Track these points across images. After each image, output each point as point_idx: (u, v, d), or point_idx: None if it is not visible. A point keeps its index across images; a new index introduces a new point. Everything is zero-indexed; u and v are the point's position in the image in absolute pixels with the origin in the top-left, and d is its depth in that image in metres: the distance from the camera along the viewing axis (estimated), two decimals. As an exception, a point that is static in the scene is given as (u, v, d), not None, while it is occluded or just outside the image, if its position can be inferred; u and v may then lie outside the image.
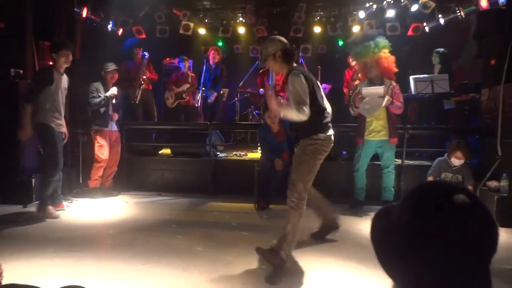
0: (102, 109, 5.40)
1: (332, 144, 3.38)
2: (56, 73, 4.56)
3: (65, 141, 4.82)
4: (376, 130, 4.86)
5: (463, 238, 0.74)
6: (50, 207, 4.51)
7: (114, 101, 5.50)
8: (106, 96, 5.33)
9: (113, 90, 5.38)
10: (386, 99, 4.64)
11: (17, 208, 4.84)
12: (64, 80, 4.70)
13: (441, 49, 6.55)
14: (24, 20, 5.41)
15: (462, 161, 4.74)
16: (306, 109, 3.07)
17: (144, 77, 7.39)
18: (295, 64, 3.37)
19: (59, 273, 2.97)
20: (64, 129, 4.74)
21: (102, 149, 5.42)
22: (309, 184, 3.29)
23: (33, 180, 5.12)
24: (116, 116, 5.59)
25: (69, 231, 3.99)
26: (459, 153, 4.72)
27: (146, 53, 7.46)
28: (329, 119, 3.40)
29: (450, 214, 0.76)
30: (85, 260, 3.21)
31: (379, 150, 4.96)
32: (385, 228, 0.86)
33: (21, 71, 5.28)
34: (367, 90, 4.69)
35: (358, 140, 5.01)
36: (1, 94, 5.20)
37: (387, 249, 0.84)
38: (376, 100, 4.68)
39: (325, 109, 3.38)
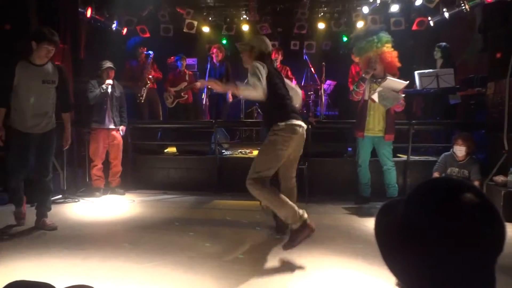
0: (101, 105, 5.40)
1: (298, 135, 3.35)
2: (27, 64, 3.87)
3: (67, 143, 4.32)
4: (373, 125, 4.85)
5: (470, 237, 0.74)
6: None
7: (114, 100, 5.50)
8: (102, 87, 5.33)
9: (108, 82, 5.37)
10: (403, 95, 4.67)
11: (26, 207, 4.87)
12: (47, 71, 3.96)
13: (443, 43, 6.50)
14: (28, 21, 5.45)
15: (463, 149, 4.70)
16: (260, 84, 3.17)
17: (150, 76, 7.42)
18: None
19: (67, 271, 3.00)
20: (40, 129, 3.98)
21: (95, 149, 5.46)
22: (267, 173, 3.28)
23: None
24: (123, 130, 5.64)
25: (76, 230, 4.03)
26: (459, 141, 4.71)
27: (151, 53, 7.48)
28: (290, 108, 3.41)
29: (458, 212, 0.75)
30: (92, 259, 3.24)
31: (376, 146, 4.96)
32: (390, 224, 0.85)
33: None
34: (390, 82, 4.65)
35: (357, 133, 4.99)
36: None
37: (392, 245, 0.83)
38: (392, 93, 4.67)
39: (286, 98, 3.42)
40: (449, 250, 0.74)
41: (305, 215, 3.22)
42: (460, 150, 4.73)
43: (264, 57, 3.47)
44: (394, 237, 0.82)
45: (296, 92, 3.76)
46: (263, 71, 3.25)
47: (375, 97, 4.76)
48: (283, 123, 3.28)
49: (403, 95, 4.71)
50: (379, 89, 4.71)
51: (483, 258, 0.75)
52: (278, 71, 3.58)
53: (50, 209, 4.21)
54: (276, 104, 3.36)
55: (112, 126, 5.53)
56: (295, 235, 3.20)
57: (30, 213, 4.29)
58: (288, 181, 3.70)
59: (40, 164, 4.05)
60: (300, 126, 3.35)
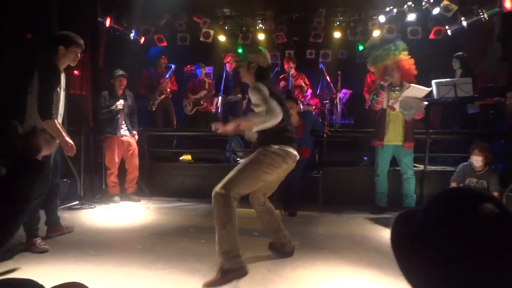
0: (113, 116, 5.47)
1: (287, 165, 3.12)
2: (59, 71, 3.75)
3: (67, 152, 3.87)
4: (393, 135, 4.80)
5: (490, 248, 0.73)
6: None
7: (126, 109, 5.58)
8: (112, 109, 5.42)
9: (119, 103, 5.44)
10: (426, 102, 4.62)
11: (43, 213, 4.94)
12: (64, 78, 3.87)
13: (460, 53, 6.43)
14: (50, 31, 5.58)
15: (479, 159, 4.60)
16: (277, 108, 2.93)
17: (168, 89, 7.54)
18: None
19: (81, 277, 3.03)
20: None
21: (110, 157, 5.52)
22: (242, 190, 2.99)
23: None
24: (135, 135, 5.72)
25: (91, 236, 4.07)
26: (476, 151, 4.61)
27: (173, 66, 7.58)
28: (289, 133, 3.18)
29: (478, 223, 0.74)
30: (106, 265, 3.27)
31: (396, 155, 4.90)
32: (407, 234, 0.84)
33: (47, 80, 5.42)
34: (412, 89, 4.60)
35: (376, 143, 4.95)
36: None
37: (409, 255, 0.82)
38: (416, 101, 4.62)
39: (286, 121, 3.16)
40: (467, 260, 0.72)
41: (244, 261, 2.96)
42: (477, 160, 4.63)
43: (263, 72, 3.23)
44: (411, 247, 0.81)
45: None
46: (266, 91, 3.01)
47: (396, 106, 4.72)
48: (277, 146, 3.06)
49: (426, 102, 4.66)
50: (400, 98, 4.67)
51: (503, 269, 0.73)
52: (277, 90, 3.34)
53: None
54: (276, 127, 3.04)
55: (126, 134, 5.61)
56: (226, 273, 2.87)
57: (45, 218, 4.34)
58: (260, 203, 3.41)
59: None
60: (292, 156, 3.12)
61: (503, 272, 0.73)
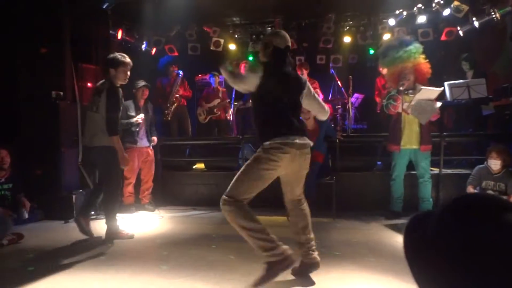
0: (134, 128, 5.55)
1: (290, 154, 2.89)
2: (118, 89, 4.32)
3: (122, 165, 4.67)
4: (409, 139, 4.75)
5: (508, 257, 0.68)
6: (119, 227, 4.38)
7: (146, 119, 5.66)
8: (131, 123, 5.49)
9: (139, 117, 5.51)
10: (439, 104, 4.57)
11: (59, 224, 5.03)
12: None
13: (465, 54, 6.36)
14: (64, 45, 5.70)
15: (498, 163, 4.53)
16: (242, 78, 3.00)
17: (177, 95, 7.58)
18: (282, 68, 3.07)
19: (98, 286, 3.06)
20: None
21: (129, 167, 5.55)
22: (246, 194, 2.85)
23: (73, 196, 5.32)
24: (155, 141, 5.80)
25: (107, 245, 4.10)
26: (494, 154, 4.54)
27: (180, 72, 7.66)
28: (284, 123, 2.95)
29: (498, 232, 0.69)
30: (122, 273, 3.29)
31: (413, 159, 4.85)
32: (421, 241, 0.80)
33: (61, 93, 5.55)
34: (424, 92, 4.55)
35: (392, 147, 4.90)
36: (43, 115, 5.47)
37: (424, 263, 0.78)
38: (429, 103, 4.57)
39: (279, 112, 2.97)
40: (485, 270, 0.68)
41: (286, 249, 2.80)
42: (495, 164, 4.56)
43: (279, 53, 3.08)
44: (425, 255, 0.78)
45: (319, 110, 3.36)
46: (253, 75, 2.95)
47: (410, 111, 4.67)
48: (268, 143, 2.87)
49: (439, 103, 4.60)
50: (413, 102, 4.62)
51: None
52: (290, 76, 3.09)
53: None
54: (266, 118, 2.97)
55: (145, 144, 5.67)
56: (270, 267, 2.76)
57: (62, 229, 4.42)
58: (293, 204, 3.22)
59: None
60: (293, 144, 2.89)
61: None
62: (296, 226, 3.20)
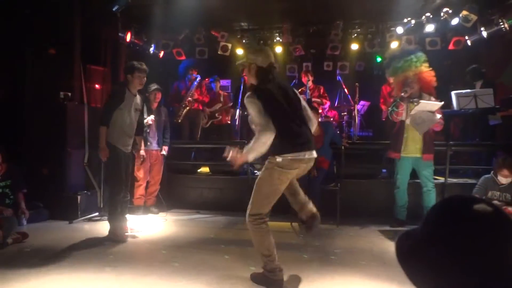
0: (146, 129, 5.56)
1: (299, 169, 3.05)
2: (128, 93, 4.50)
3: (141, 161, 5.05)
4: (411, 147, 4.74)
5: (485, 247, 0.75)
6: (119, 228, 4.44)
7: (159, 123, 5.71)
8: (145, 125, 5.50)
9: (150, 119, 5.53)
10: (439, 115, 4.55)
11: (64, 224, 5.05)
12: (137, 100, 4.64)
13: (473, 67, 6.35)
14: (73, 46, 5.75)
15: (509, 179, 4.51)
16: (267, 130, 2.87)
17: (190, 98, 7.60)
18: (266, 84, 3.05)
19: (100, 287, 3.07)
20: (136, 149, 4.82)
21: (140, 169, 5.59)
22: (267, 208, 3.05)
23: (79, 197, 5.34)
24: (166, 149, 5.81)
25: (111, 247, 4.12)
26: (505, 171, 4.48)
27: (199, 76, 7.69)
28: (294, 136, 3.01)
29: (470, 223, 0.77)
30: (125, 275, 3.30)
31: (416, 167, 4.83)
32: (410, 246, 0.87)
33: (69, 94, 5.59)
34: (423, 105, 4.56)
35: (392, 154, 4.89)
36: (51, 116, 5.51)
37: (414, 267, 0.86)
38: (428, 115, 4.57)
39: (288, 126, 3.00)
40: (467, 260, 0.75)
41: (282, 276, 3.11)
42: (506, 180, 4.52)
43: (263, 72, 3.07)
44: (416, 257, 0.85)
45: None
46: (258, 109, 2.91)
47: (408, 121, 4.68)
48: (280, 158, 2.95)
49: (440, 116, 4.59)
50: (412, 112, 4.61)
51: (503, 267, 0.75)
52: (286, 88, 3.14)
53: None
54: (277, 136, 2.93)
55: (155, 147, 5.70)
56: (266, 280, 3.10)
57: (67, 229, 4.44)
58: (296, 196, 3.36)
59: (128, 179, 4.62)
60: (302, 160, 3.01)
61: (504, 270, 0.74)
62: (294, 197, 3.36)
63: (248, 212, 3.06)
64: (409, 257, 0.87)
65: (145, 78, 4.57)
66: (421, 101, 4.57)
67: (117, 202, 4.44)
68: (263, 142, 2.88)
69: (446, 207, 0.84)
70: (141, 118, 4.85)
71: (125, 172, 4.52)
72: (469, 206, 0.79)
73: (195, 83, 7.64)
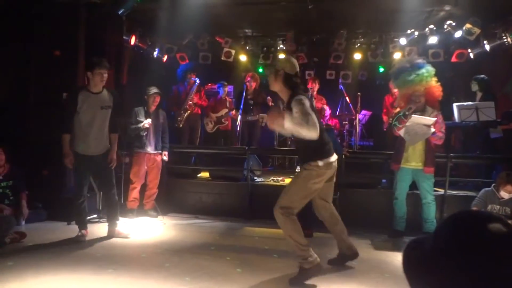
0: (142, 132, 5.57)
1: (332, 170, 3.43)
2: (87, 93, 4.35)
3: (112, 164, 4.56)
4: (412, 158, 4.74)
5: (499, 268, 0.74)
6: (83, 231, 4.47)
7: (157, 126, 5.68)
8: (139, 127, 5.50)
9: (147, 122, 5.53)
10: (433, 130, 4.55)
11: (62, 225, 5.05)
12: (103, 98, 4.45)
13: (480, 76, 6.33)
14: (77, 48, 5.77)
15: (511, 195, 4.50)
16: (316, 128, 3.03)
17: (190, 102, 7.61)
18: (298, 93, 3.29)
19: (97, 290, 3.06)
20: (100, 151, 4.47)
21: (136, 171, 5.59)
22: (298, 204, 3.34)
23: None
24: (166, 155, 5.78)
25: (108, 249, 4.11)
26: (509, 187, 4.45)
27: (197, 80, 7.70)
28: (328, 144, 3.42)
29: (486, 242, 0.76)
30: (122, 278, 3.29)
31: (416, 179, 4.82)
32: (419, 258, 0.85)
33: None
34: (417, 118, 4.57)
35: (393, 166, 4.90)
36: (53, 117, 5.52)
37: (421, 278, 0.83)
38: (423, 128, 4.58)
39: (324, 133, 3.36)
40: (478, 281, 0.74)
41: (318, 259, 3.34)
42: (508, 195, 4.50)
43: (291, 79, 3.30)
44: (423, 270, 0.82)
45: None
46: (309, 107, 3.13)
47: (401, 132, 4.68)
48: (322, 162, 3.29)
49: (433, 130, 4.58)
50: (408, 123, 4.61)
51: None
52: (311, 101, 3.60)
53: (118, 219, 4.68)
54: (317, 142, 3.21)
55: (152, 151, 5.67)
56: (305, 273, 3.31)
57: (65, 229, 4.44)
58: (327, 211, 3.75)
59: (105, 181, 4.60)
60: (335, 162, 3.42)
61: None
62: (337, 233, 3.80)
63: (278, 203, 3.28)
64: (416, 269, 0.85)
65: (106, 74, 4.42)
66: (413, 115, 4.56)
67: (77, 208, 4.47)
68: (306, 131, 3.02)
69: (460, 223, 0.83)
70: (115, 115, 4.58)
71: (85, 177, 4.48)
72: (484, 225, 0.78)
73: (195, 86, 7.65)
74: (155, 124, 5.66)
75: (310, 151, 3.33)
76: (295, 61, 3.44)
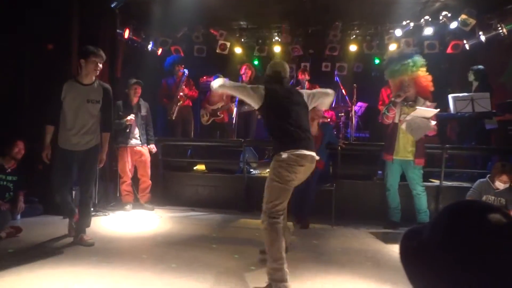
0: (125, 127, 5.53)
1: (304, 166, 3.12)
2: (74, 84, 4.04)
3: (99, 164, 4.30)
4: (403, 149, 4.76)
5: (497, 259, 0.73)
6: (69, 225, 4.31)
7: (140, 119, 5.67)
8: (122, 123, 5.47)
9: (130, 118, 5.50)
10: (433, 122, 4.56)
11: (58, 219, 5.03)
12: (92, 91, 4.10)
13: (477, 66, 6.34)
14: (70, 41, 5.71)
15: (507, 185, 4.52)
16: (228, 87, 3.41)
17: (181, 94, 7.57)
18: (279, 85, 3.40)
19: (93, 282, 3.06)
20: (83, 146, 4.10)
21: (122, 166, 5.60)
22: (279, 203, 3.05)
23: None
24: (153, 149, 5.78)
25: (105, 243, 4.10)
26: (505, 177, 4.48)
27: (185, 71, 7.66)
28: (295, 136, 3.14)
29: (485, 234, 0.75)
30: (119, 271, 3.29)
31: (404, 170, 4.85)
32: (416, 248, 0.84)
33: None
34: (418, 111, 4.58)
35: (385, 156, 4.91)
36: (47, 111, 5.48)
37: (418, 268, 0.82)
38: (424, 121, 4.59)
39: (290, 124, 3.15)
40: (476, 272, 0.73)
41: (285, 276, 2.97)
42: (503, 186, 4.52)
43: (272, 78, 3.46)
44: (420, 260, 0.81)
45: (323, 96, 3.60)
46: (253, 92, 3.25)
47: (403, 126, 4.69)
48: (285, 154, 3.06)
49: (434, 122, 4.61)
50: (408, 117, 4.63)
51: (511, 281, 0.73)
52: (291, 92, 3.43)
53: (89, 225, 4.23)
54: (278, 131, 3.19)
55: (137, 143, 5.65)
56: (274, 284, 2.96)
57: (61, 224, 4.43)
58: None
59: (81, 180, 4.21)
60: (306, 156, 3.10)
61: (509, 284, 0.73)
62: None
63: (264, 210, 3.07)
64: (414, 259, 0.85)
65: (101, 65, 4.09)
66: (417, 107, 4.59)
67: (60, 203, 4.22)
68: (237, 93, 3.51)
69: (460, 213, 0.81)
70: (106, 113, 4.23)
71: (65, 174, 4.09)
72: (484, 215, 0.77)
73: (184, 78, 7.62)
74: (138, 117, 5.64)
75: (275, 144, 3.22)
76: (283, 65, 3.54)
